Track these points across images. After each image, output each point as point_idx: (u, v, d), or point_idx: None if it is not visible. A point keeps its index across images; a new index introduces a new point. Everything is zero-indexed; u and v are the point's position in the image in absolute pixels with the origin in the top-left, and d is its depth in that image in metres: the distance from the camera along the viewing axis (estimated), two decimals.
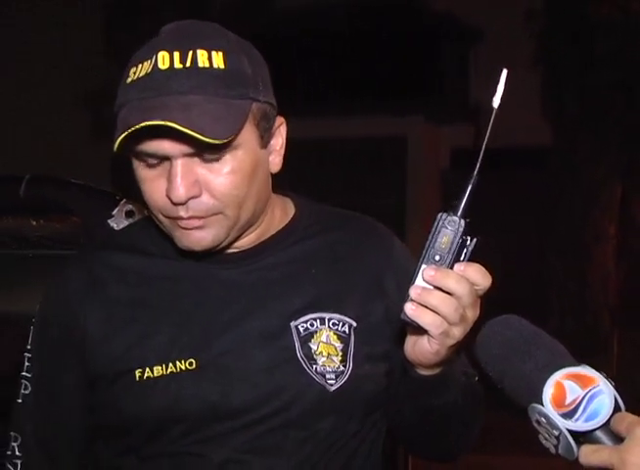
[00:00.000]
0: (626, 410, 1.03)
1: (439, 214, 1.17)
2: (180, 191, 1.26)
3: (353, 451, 1.40)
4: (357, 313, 1.39)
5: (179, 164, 1.27)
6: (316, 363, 1.36)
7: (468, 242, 1.17)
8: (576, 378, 1.03)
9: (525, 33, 8.97)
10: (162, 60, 1.26)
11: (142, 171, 1.31)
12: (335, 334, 1.38)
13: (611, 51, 8.35)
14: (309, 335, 1.37)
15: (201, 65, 1.26)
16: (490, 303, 1.29)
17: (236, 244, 1.39)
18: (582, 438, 1.02)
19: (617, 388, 1.03)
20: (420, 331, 1.21)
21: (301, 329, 1.37)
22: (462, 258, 1.17)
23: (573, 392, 1.02)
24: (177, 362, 1.34)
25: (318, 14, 10.83)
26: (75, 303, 1.40)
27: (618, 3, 8.40)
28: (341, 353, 1.37)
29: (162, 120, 1.21)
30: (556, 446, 1.04)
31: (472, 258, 1.18)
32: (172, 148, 1.25)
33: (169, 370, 1.34)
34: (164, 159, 1.28)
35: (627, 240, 8.90)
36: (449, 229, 1.16)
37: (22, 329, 1.55)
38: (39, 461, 1.44)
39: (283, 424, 1.34)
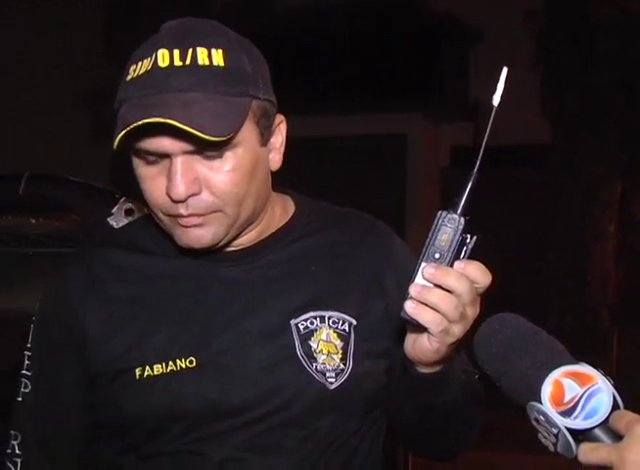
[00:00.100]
0: (625, 408, 1.03)
1: (439, 212, 1.17)
2: (180, 188, 1.26)
3: (353, 449, 1.40)
4: (357, 311, 1.39)
5: (179, 162, 1.26)
6: (316, 361, 1.35)
7: (468, 240, 1.17)
8: (575, 376, 1.03)
9: (525, 33, 8.98)
10: (162, 57, 1.25)
11: (142, 169, 1.31)
12: (335, 332, 1.38)
13: (611, 51, 8.36)
14: (309, 333, 1.37)
15: (200, 62, 1.25)
16: (490, 300, 1.29)
17: (236, 242, 1.39)
18: (581, 436, 1.02)
19: (615, 386, 1.03)
20: (420, 329, 1.21)
21: (301, 327, 1.37)
22: (462, 256, 1.17)
23: (572, 390, 1.02)
24: (177, 361, 1.34)
25: (318, 14, 10.83)
26: (75, 301, 1.40)
27: (618, 3, 8.41)
28: (341, 352, 1.37)
29: (162, 118, 1.21)
30: (555, 444, 1.04)
31: (472, 256, 1.18)
32: (172, 145, 1.25)
33: (169, 368, 1.33)
34: (164, 156, 1.27)
35: (627, 238, 8.92)
36: (449, 227, 1.16)
37: (21, 327, 1.55)
38: (39, 460, 1.44)
39: (283, 422, 1.34)
